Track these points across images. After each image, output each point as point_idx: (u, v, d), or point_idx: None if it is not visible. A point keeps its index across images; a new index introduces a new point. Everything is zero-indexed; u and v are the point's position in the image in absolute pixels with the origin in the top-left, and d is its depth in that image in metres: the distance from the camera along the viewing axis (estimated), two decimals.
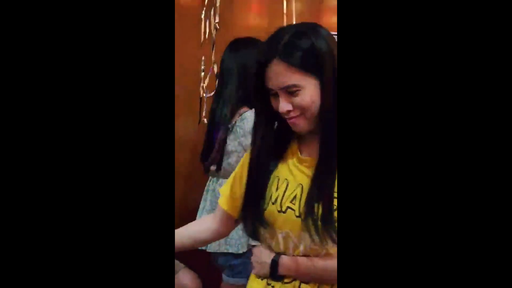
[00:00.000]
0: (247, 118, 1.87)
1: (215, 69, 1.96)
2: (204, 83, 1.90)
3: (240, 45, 1.98)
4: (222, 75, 1.96)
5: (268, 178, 1.20)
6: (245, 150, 1.88)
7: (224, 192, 1.33)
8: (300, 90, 1.10)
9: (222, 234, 1.40)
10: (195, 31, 2.12)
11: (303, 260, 1.17)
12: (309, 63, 1.09)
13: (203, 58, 1.87)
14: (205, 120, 1.95)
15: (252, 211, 1.21)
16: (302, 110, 1.12)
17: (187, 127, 2.35)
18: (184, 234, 1.36)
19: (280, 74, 1.11)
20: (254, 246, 1.90)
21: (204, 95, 1.89)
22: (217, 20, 1.83)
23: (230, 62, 1.93)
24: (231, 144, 1.92)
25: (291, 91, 1.11)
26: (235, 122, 1.90)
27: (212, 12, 1.80)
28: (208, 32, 1.83)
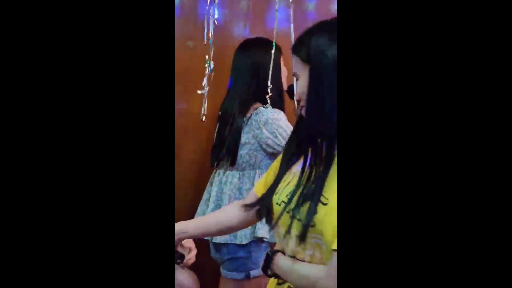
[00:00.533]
0: (262, 112, 1.96)
1: (211, 65, 1.99)
2: (203, 80, 1.91)
3: (251, 44, 2.07)
4: (233, 73, 2.06)
5: (287, 170, 1.21)
6: (258, 143, 1.96)
7: (261, 180, 1.34)
8: (298, 79, 1.15)
9: (250, 221, 1.37)
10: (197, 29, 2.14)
11: (288, 262, 1.14)
12: (306, 54, 1.13)
13: (207, 57, 1.90)
14: (204, 117, 1.97)
15: (264, 201, 1.22)
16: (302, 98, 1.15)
17: (188, 125, 2.37)
18: (211, 221, 1.39)
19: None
20: (259, 238, 1.93)
21: (203, 91, 1.91)
22: (216, 16, 1.85)
23: (241, 61, 2.03)
24: (245, 136, 1.99)
25: (296, 80, 1.17)
26: (250, 115, 1.98)
27: (211, 10, 1.82)
28: (207, 30, 1.85)
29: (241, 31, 2.49)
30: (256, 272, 1.94)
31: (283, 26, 1.99)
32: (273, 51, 1.83)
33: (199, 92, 1.95)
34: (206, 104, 1.90)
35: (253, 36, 2.22)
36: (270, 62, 1.82)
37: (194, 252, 1.64)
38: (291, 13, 1.85)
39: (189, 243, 1.44)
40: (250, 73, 1.99)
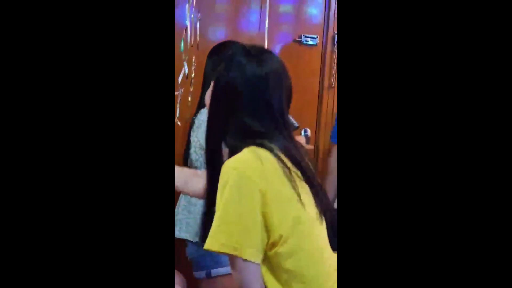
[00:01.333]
0: (203, 112, 1.95)
1: (186, 68, 2.02)
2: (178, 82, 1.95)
3: (215, 49, 2.06)
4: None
5: None
6: (198, 141, 1.96)
7: None
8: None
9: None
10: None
11: None
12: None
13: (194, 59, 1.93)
14: (179, 122, 2.00)
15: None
16: None
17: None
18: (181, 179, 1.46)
19: None
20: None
21: (177, 93, 1.94)
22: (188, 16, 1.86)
23: (206, 66, 2.02)
24: (192, 135, 2.00)
25: None
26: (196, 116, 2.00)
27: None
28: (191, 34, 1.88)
29: (221, 35, 2.52)
30: (219, 270, 1.92)
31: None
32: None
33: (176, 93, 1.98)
34: (179, 106, 1.93)
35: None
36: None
37: None
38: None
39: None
40: (206, 77, 2.00)
